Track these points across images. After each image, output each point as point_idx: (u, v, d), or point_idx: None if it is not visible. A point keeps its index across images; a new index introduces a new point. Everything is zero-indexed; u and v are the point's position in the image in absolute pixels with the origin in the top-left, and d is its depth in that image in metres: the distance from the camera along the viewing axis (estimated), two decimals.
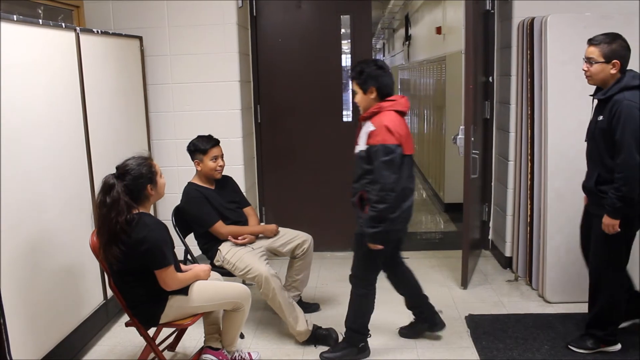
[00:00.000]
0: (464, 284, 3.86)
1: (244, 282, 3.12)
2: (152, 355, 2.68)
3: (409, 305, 3.15)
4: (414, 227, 5.64)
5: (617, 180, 2.59)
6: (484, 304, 3.59)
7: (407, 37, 10.74)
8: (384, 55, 18.62)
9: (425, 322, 3.14)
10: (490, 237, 4.56)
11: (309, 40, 4.47)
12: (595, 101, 2.79)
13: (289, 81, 4.51)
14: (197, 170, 3.25)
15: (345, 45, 4.50)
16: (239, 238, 3.22)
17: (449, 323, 3.29)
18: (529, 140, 3.67)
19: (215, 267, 3.08)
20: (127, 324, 2.63)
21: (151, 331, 2.68)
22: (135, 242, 2.38)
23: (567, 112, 3.34)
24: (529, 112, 3.66)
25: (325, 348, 3.03)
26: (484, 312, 3.44)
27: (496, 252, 4.42)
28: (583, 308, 3.08)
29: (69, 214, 2.93)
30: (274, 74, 4.51)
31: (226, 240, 3.22)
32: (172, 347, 3.04)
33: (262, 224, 3.94)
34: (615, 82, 2.65)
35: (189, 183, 3.27)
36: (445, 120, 5.95)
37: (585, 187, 2.87)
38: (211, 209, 3.20)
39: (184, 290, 2.57)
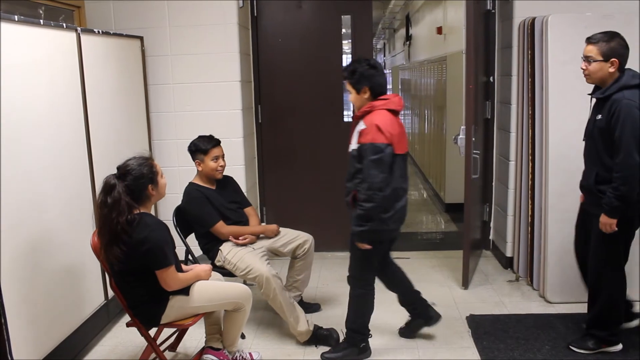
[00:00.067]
0: (465, 284, 3.86)
1: (245, 283, 3.12)
2: (153, 355, 2.68)
3: (402, 302, 3.15)
4: (415, 227, 5.64)
5: (615, 180, 2.58)
6: (484, 304, 3.59)
7: (408, 37, 10.74)
8: (384, 55, 18.62)
9: (420, 317, 3.14)
10: (491, 237, 4.56)
11: (310, 41, 4.47)
12: (594, 100, 2.79)
13: (290, 81, 4.51)
14: (198, 170, 3.25)
15: (346, 46, 4.50)
16: (240, 238, 3.22)
17: (450, 323, 3.29)
18: (530, 140, 3.67)
19: (216, 267, 3.08)
20: (128, 324, 2.63)
21: (152, 331, 2.68)
22: (137, 242, 2.38)
23: (568, 112, 3.33)
24: (530, 112, 3.66)
25: (326, 348, 3.03)
26: (485, 312, 3.44)
27: (497, 252, 4.42)
28: (584, 308, 3.07)
29: (69, 214, 2.93)
30: (274, 74, 4.51)
31: (227, 240, 3.22)
32: (173, 347, 3.04)
33: (263, 224, 3.94)
34: (614, 81, 2.64)
35: (190, 183, 3.27)
36: (446, 120, 5.95)
37: (584, 187, 2.86)
38: (212, 209, 3.20)
39: (185, 291, 2.57)
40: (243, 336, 3.16)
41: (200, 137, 3.24)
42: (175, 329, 2.96)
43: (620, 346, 2.89)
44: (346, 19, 4.44)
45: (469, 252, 3.84)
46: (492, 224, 4.51)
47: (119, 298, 2.57)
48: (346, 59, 4.53)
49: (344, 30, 4.46)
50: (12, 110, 2.44)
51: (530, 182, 3.70)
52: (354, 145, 2.72)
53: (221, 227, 3.19)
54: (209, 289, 2.65)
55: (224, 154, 3.27)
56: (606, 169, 2.66)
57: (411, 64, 10.16)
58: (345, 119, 4.57)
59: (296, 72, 4.50)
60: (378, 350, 3.02)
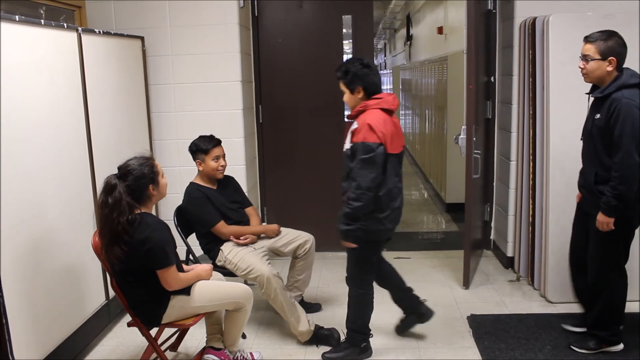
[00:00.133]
0: (466, 284, 3.86)
1: (245, 282, 3.12)
2: (154, 355, 2.68)
3: (395, 299, 3.15)
4: (416, 227, 5.64)
5: (614, 179, 2.58)
6: (485, 304, 3.59)
7: (409, 37, 10.75)
8: (385, 55, 18.62)
9: (412, 313, 3.14)
10: (492, 237, 4.56)
11: (311, 41, 4.47)
12: (592, 99, 2.78)
13: (291, 81, 4.51)
14: (198, 170, 3.25)
15: (347, 46, 4.49)
16: (241, 238, 3.22)
17: (451, 323, 3.29)
18: (531, 140, 3.67)
19: (217, 267, 3.08)
20: (129, 324, 2.63)
21: (153, 331, 2.68)
22: (138, 242, 2.38)
23: (569, 111, 3.33)
24: (531, 112, 3.66)
25: (327, 348, 3.04)
26: (485, 312, 3.44)
27: (498, 252, 4.41)
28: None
29: (70, 214, 2.93)
30: (275, 74, 4.51)
31: (228, 240, 3.22)
32: (174, 347, 3.04)
33: (264, 224, 3.94)
34: (613, 80, 2.63)
35: (191, 183, 3.27)
36: (446, 120, 5.94)
37: (584, 187, 2.85)
38: (213, 209, 3.20)
39: (186, 290, 2.57)
40: (244, 336, 3.16)
41: (201, 137, 3.24)
42: (176, 329, 2.96)
43: (621, 346, 2.89)
44: (347, 18, 4.44)
45: (470, 252, 3.84)
46: (493, 224, 4.51)
47: (120, 298, 2.56)
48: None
49: (344, 30, 4.46)
50: (12, 110, 2.44)
51: (531, 182, 3.70)
52: (347, 144, 2.72)
53: (222, 227, 3.20)
54: (210, 289, 2.65)
55: (224, 154, 3.27)
56: (605, 168, 2.65)
57: (412, 64, 10.16)
58: (346, 119, 4.55)
59: (297, 72, 4.49)
60: (379, 350, 3.02)
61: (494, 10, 4.18)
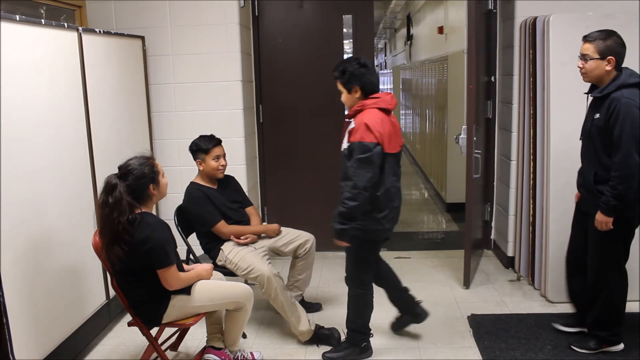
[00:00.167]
0: (466, 283, 3.86)
1: (246, 282, 3.12)
2: (154, 355, 2.68)
3: (391, 299, 3.15)
4: (416, 227, 5.64)
5: (613, 179, 2.57)
6: (486, 303, 3.59)
7: (409, 37, 10.75)
8: (385, 55, 18.61)
9: (407, 313, 3.14)
10: (492, 236, 4.56)
11: (311, 40, 4.47)
12: (590, 98, 2.78)
13: (291, 81, 4.51)
14: (199, 170, 3.25)
15: (347, 45, 4.49)
16: (241, 238, 3.22)
17: (451, 323, 3.29)
18: (532, 140, 3.67)
19: (217, 267, 3.08)
20: (129, 324, 2.63)
21: (153, 331, 2.68)
22: (138, 241, 2.38)
23: (570, 111, 3.32)
24: (532, 112, 3.65)
25: (328, 348, 3.04)
26: (486, 312, 3.44)
27: (498, 252, 4.41)
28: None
29: (70, 213, 2.93)
30: (276, 74, 4.51)
31: (228, 240, 3.22)
32: (174, 346, 3.04)
33: (265, 223, 3.94)
34: (612, 80, 2.63)
35: (191, 183, 3.27)
36: (447, 120, 5.94)
37: (583, 187, 2.85)
38: (213, 208, 3.20)
39: (187, 290, 2.57)
40: (244, 336, 3.16)
41: (201, 136, 3.24)
42: (176, 329, 2.96)
43: (621, 346, 2.89)
44: (347, 18, 4.44)
45: (470, 251, 3.84)
46: (493, 224, 4.51)
47: (121, 298, 2.56)
48: None
49: (345, 30, 4.46)
50: (12, 110, 2.44)
51: (531, 182, 3.70)
52: (345, 144, 2.72)
53: (222, 226, 3.20)
54: (210, 289, 2.65)
55: (225, 154, 3.27)
56: (604, 168, 2.65)
57: (412, 64, 10.15)
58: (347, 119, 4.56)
59: (297, 72, 4.49)
60: (379, 350, 3.02)
61: (494, 10, 4.18)
